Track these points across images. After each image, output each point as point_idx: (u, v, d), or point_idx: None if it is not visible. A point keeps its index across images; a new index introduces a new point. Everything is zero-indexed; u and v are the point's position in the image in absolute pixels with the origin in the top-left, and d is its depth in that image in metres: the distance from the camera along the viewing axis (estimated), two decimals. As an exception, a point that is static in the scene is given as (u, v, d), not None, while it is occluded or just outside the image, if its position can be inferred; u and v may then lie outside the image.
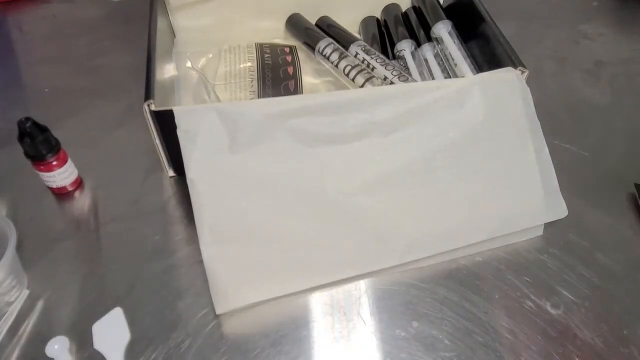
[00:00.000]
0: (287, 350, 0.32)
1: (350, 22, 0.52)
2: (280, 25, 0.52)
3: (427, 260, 0.37)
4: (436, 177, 0.36)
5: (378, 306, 0.34)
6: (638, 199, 0.41)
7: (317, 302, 0.35)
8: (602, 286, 0.36)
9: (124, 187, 0.42)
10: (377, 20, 0.53)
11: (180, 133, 0.33)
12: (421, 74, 0.45)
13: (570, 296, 0.35)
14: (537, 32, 0.60)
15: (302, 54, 0.49)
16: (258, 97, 0.43)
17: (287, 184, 0.35)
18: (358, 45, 0.46)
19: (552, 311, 0.34)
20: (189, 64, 0.47)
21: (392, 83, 0.41)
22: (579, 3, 0.65)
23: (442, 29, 0.45)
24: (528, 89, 0.38)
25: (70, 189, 0.41)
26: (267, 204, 0.34)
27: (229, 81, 0.45)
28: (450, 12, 0.47)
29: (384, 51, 0.48)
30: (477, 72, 0.41)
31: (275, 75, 0.45)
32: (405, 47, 0.47)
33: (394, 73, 0.41)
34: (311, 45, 0.47)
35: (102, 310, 0.33)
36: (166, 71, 0.44)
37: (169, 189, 0.42)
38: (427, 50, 0.46)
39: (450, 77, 0.43)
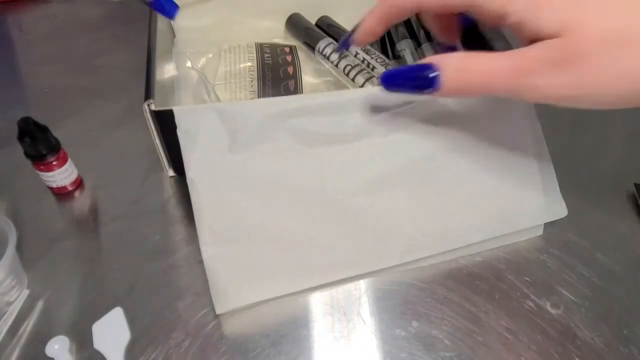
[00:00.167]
0: (287, 350, 0.32)
1: (350, 24, 0.52)
2: (280, 25, 0.52)
3: (427, 260, 0.37)
4: (436, 177, 0.36)
5: (378, 306, 0.34)
6: (638, 199, 0.41)
7: (317, 302, 0.35)
8: (602, 286, 0.36)
9: (124, 187, 0.42)
10: (377, 20, 0.53)
11: (180, 133, 0.33)
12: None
13: (570, 296, 0.35)
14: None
15: (302, 54, 0.49)
16: (258, 97, 0.43)
17: (287, 184, 0.35)
18: (358, 45, 0.46)
19: (552, 311, 0.34)
20: (189, 64, 0.47)
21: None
22: None
23: (442, 29, 0.45)
24: None
25: (70, 188, 0.41)
26: (267, 204, 0.34)
27: (229, 81, 0.45)
28: (450, 12, 0.47)
29: (384, 51, 0.48)
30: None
31: (275, 75, 0.45)
32: (405, 47, 0.47)
33: (394, 73, 0.41)
34: (311, 45, 0.47)
35: (102, 310, 0.33)
36: (166, 71, 0.44)
37: (169, 189, 0.42)
38: (427, 50, 0.46)
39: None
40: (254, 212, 0.34)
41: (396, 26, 0.49)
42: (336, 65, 0.44)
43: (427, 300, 0.35)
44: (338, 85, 0.46)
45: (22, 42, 0.58)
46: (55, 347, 0.31)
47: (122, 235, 0.38)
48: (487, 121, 0.37)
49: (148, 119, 0.36)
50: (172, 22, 0.49)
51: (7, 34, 0.59)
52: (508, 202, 0.37)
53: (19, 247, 0.36)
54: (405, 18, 0.29)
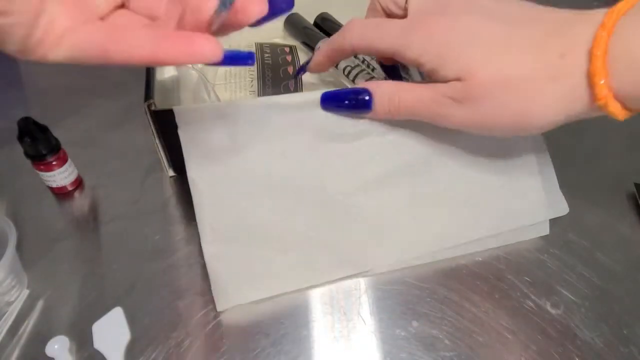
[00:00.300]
0: (287, 349, 0.32)
1: (348, 19, 0.52)
2: (280, 25, 0.52)
3: (426, 259, 0.37)
4: (436, 177, 0.36)
5: (378, 306, 0.34)
6: (638, 199, 0.41)
7: (318, 302, 0.35)
8: (602, 286, 0.36)
9: (124, 187, 0.42)
10: (377, 20, 0.53)
11: (180, 133, 0.33)
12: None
13: (570, 296, 0.35)
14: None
15: (302, 54, 0.49)
16: (258, 97, 0.43)
17: (286, 184, 0.35)
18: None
19: (552, 311, 0.34)
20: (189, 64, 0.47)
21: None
22: (579, 3, 0.65)
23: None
24: None
25: (70, 188, 0.41)
26: (267, 203, 0.35)
27: (229, 81, 0.45)
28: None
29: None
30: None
31: (275, 75, 0.45)
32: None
33: (394, 73, 0.41)
34: (310, 45, 0.47)
35: (102, 310, 0.33)
36: (166, 71, 0.44)
37: (169, 188, 0.42)
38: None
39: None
40: (253, 211, 0.34)
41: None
42: (336, 66, 0.44)
43: (427, 300, 0.35)
44: (338, 86, 0.46)
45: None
46: (55, 347, 0.31)
47: (122, 235, 0.38)
48: None
49: (148, 119, 0.36)
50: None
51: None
52: (508, 200, 0.38)
53: (19, 247, 0.36)
54: (347, 58, 0.35)
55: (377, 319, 0.34)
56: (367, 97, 0.32)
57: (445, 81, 0.29)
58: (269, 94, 0.44)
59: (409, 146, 0.36)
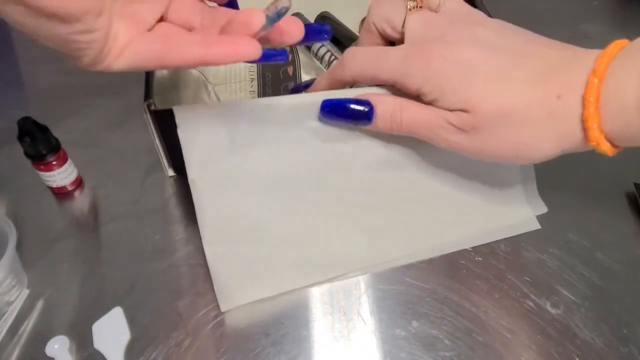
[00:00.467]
0: (287, 349, 0.32)
1: (350, 21, 0.52)
2: (280, 25, 0.52)
3: (421, 256, 0.37)
4: (433, 177, 0.37)
5: (378, 306, 0.34)
6: (638, 199, 0.41)
7: (318, 302, 0.35)
8: (602, 286, 0.36)
9: (124, 187, 0.42)
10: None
11: (180, 133, 0.33)
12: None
13: (570, 296, 0.35)
14: (537, 31, 0.60)
15: (302, 54, 0.49)
16: (258, 97, 0.43)
17: (286, 183, 0.35)
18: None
19: (552, 311, 0.34)
20: (189, 64, 0.47)
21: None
22: (579, 3, 0.65)
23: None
24: None
25: (70, 188, 0.41)
26: (267, 203, 0.35)
27: (229, 81, 0.45)
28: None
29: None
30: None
31: (275, 75, 0.45)
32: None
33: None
34: (309, 46, 0.47)
35: (102, 310, 0.33)
36: (166, 71, 0.44)
37: (169, 188, 0.42)
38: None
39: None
40: (254, 211, 0.34)
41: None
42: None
43: (427, 300, 0.35)
44: (338, 85, 0.46)
45: (22, 42, 0.58)
46: (55, 347, 0.31)
47: (122, 235, 0.38)
48: None
49: (148, 119, 0.36)
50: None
51: (7, 34, 0.59)
52: (492, 199, 0.39)
53: (19, 247, 0.36)
54: (346, 86, 0.35)
55: (377, 319, 0.34)
56: (367, 109, 0.32)
57: (449, 110, 0.30)
58: (268, 95, 0.44)
59: (408, 146, 0.36)
